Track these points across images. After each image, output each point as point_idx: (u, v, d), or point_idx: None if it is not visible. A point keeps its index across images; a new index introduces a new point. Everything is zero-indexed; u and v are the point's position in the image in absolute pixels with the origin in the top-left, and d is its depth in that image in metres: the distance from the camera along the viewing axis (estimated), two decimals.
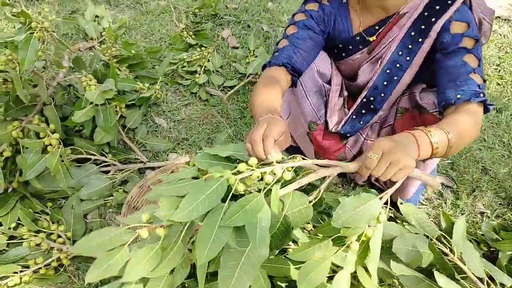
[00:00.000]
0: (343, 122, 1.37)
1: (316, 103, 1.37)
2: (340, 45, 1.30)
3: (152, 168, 1.60)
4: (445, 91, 1.05)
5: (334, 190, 1.63)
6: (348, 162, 0.90)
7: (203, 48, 2.13)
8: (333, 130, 1.38)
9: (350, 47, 1.28)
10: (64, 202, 1.47)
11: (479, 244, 1.48)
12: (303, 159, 0.85)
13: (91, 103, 1.47)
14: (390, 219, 1.26)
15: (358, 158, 0.96)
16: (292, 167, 0.82)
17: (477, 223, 1.59)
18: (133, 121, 1.73)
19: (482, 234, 1.51)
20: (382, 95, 1.27)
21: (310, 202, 0.87)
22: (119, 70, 1.94)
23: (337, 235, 0.83)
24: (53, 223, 1.38)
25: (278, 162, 0.81)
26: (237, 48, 2.25)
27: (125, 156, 1.61)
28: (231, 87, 2.00)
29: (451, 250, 1.06)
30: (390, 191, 0.91)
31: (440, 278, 0.92)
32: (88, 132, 1.52)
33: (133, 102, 1.77)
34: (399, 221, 1.26)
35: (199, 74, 2.00)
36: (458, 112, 0.99)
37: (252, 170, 0.78)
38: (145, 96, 1.76)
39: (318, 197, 0.89)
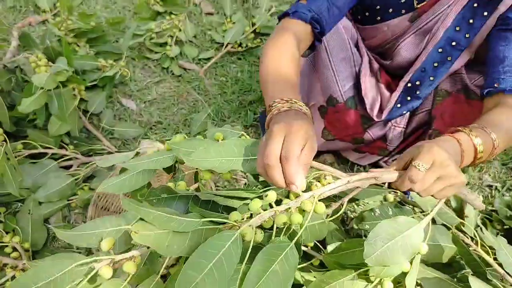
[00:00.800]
0: (386, 112, 1.13)
1: (342, 74, 1.13)
2: (378, 6, 1.05)
3: None
4: (486, 76, 0.86)
5: None
6: (384, 171, 0.71)
7: (173, 16, 1.88)
8: (376, 119, 1.16)
9: (390, 10, 1.04)
10: (21, 206, 1.26)
11: (492, 222, 1.35)
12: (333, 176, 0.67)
13: (42, 88, 1.23)
14: (398, 203, 1.09)
15: (394, 163, 0.75)
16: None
17: (486, 198, 1.45)
18: (96, 105, 1.50)
19: (493, 211, 1.38)
20: (431, 78, 1.04)
21: (327, 216, 0.70)
22: (77, 46, 1.68)
23: (364, 268, 0.67)
24: (7, 233, 1.17)
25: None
26: (211, 14, 2.00)
27: (89, 147, 1.39)
28: (208, 59, 1.77)
29: (472, 239, 0.91)
30: (433, 211, 0.73)
31: (475, 282, 0.77)
32: (41, 123, 1.29)
33: (95, 83, 1.54)
34: (408, 206, 1.09)
35: (170, 45, 1.76)
36: (502, 106, 0.81)
37: (272, 209, 0.60)
38: (108, 75, 1.53)
39: (340, 213, 0.72)
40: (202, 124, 1.53)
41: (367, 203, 1.45)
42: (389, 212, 0.88)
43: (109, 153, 1.40)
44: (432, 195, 0.67)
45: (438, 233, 0.88)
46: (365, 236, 0.87)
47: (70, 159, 1.34)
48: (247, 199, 0.69)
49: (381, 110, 1.17)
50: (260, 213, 0.59)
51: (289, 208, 0.61)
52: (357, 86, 1.16)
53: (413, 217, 0.69)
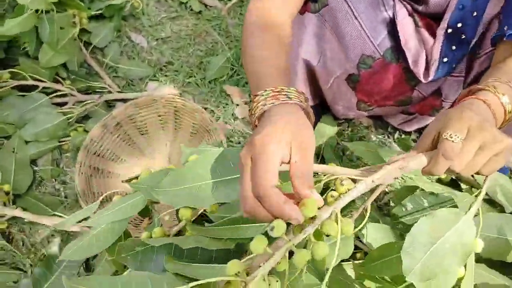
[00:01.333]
0: (432, 73, 0.90)
1: (371, 23, 0.88)
2: None
3: (124, 101, 1.21)
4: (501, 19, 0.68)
5: (364, 137, 1.24)
6: (409, 157, 0.55)
7: None
8: (423, 80, 0.93)
9: None
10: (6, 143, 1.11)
11: None
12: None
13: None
14: (452, 182, 0.87)
15: (416, 145, 0.59)
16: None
17: None
18: (101, 38, 1.31)
19: None
20: (474, 14, 0.81)
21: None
22: None
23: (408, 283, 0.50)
24: None
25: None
26: None
27: (88, 84, 1.22)
28: None
29: None
30: (481, 194, 0.57)
31: None
32: (31, 51, 1.11)
33: (101, 12, 1.34)
34: (463, 186, 0.87)
35: None
36: None
37: (283, 244, 0.45)
38: (116, 4, 1.32)
39: (364, 223, 0.55)
40: (220, 69, 1.33)
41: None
42: (424, 204, 0.70)
43: (110, 92, 1.22)
44: (477, 173, 0.53)
45: (506, 223, 0.66)
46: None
47: (64, 95, 1.17)
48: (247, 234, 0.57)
49: (427, 65, 0.92)
50: (268, 255, 0.43)
51: (306, 237, 0.45)
52: (393, 34, 0.91)
53: (456, 207, 0.54)
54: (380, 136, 1.25)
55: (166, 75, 1.33)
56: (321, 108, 1.19)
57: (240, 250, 0.62)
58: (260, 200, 0.45)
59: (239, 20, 1.49)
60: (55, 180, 1.11)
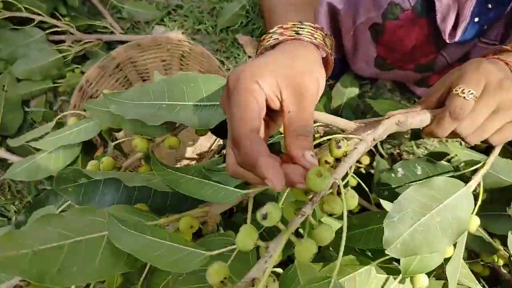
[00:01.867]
0: (460, 31, 0.78)
1: None
2: None
3: (126, 43, 1.11)
4: None
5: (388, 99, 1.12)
6: (409, 112, 0.48)
7: None
8: (447, 39, 0.80)
9: None
10: None
11: None
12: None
13: None
14: (486, 150, 0.76)
15: (422, 99, 0.52)
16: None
17: None
18: None
19: None
20: None
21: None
22: None
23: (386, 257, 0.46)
24: None
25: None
26: None
27: (89, 22, 1.11)
28: None
29: None
30: (486, 165, 0.51)
31: None
32: None
33: None
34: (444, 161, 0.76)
35: None
36: None
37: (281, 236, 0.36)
38: None
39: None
40: (233, 17, 1.20)
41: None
42: (417, 171, 0.61)
43: (112, 33, 1.12)
44: (484, 142, 0.46)
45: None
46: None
47: (62, 32, 1.07)
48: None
49: (456, 23, 0.79)
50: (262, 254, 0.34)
51: (306, 219, 0.36)
52: None
53: (453, 177, 0.46)
54: (404, 102, 1.13)
55: (174, 20, 1.22)
56: (342, 65, 1.07)
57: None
58: (236, 153, 0.36)
59: None
60: (47, 123, 1.03)
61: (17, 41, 1.01)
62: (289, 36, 0.47)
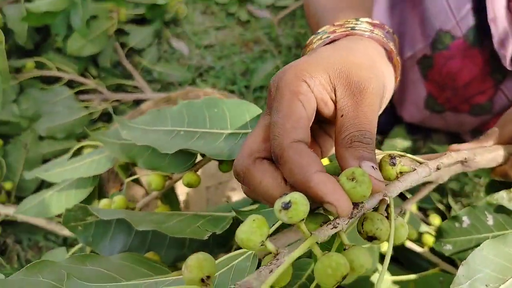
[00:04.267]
0: None
1: None
2: None
3: None
4: None
5: None
6: (477, 147, 0.42)
7: None
8: (508, 66, 0.71)
9: None
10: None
11: None
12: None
13: None
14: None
15: (492, 132, 0.44)
16: None
17: None
18: (139, 40, 1.20)
19: None
20: None
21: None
22: None
23: None
24: None
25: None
26: None
27: (119, 82, 1.08)
28: (284, 8, 1.41)
29: None
30: None
31: None
32: (60, 38, 1.00)
33: (142, 16, 1.24)
34: None
35: None
36: None
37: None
38: (159, 5, 1.22)
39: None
40: (268, 76, 1.16)
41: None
42: (488, 221, 0.50)
43: (141, 92, 1.07)
44: None
45: None
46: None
47: (91, 91, 1.03)
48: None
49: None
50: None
51: (337, 235, 0.28)
52: (478, 10, 0.70)
53: None
54: None
55: (205, 80, 1.18)
56: (389, 116, 0.97)
57: (223, 242, 0.48)
58: (279, 165, 0.29)
59: (290, 30, 1.34)
60: None
61: (45, 100, 0.97)
62: (343, 32, 0.39)
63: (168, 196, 0.57)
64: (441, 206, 0.76)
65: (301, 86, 0.30)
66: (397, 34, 0.77)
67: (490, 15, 0.68)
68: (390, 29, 0.43)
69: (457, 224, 0.52)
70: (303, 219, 0.24)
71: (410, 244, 0.60)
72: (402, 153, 0.34)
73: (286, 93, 0.30)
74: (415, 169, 0.33)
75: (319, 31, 0.43)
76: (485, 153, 0.41)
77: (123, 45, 1.17)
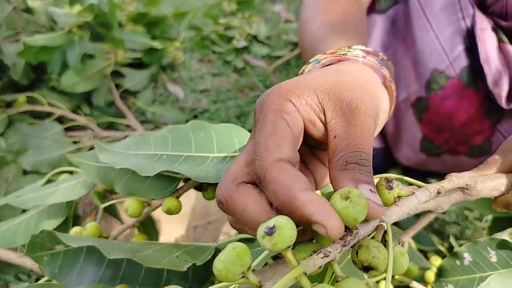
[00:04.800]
0: None
1: (445, 31, 0.70)
2: None
3: None
4: None
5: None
6: (478, 174, 0.39)
7: (246, 14, 1.62)
8: (504, 106, 0.71)
9: None
10: None
11: None
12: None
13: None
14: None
15: (494, 159, 0.42)
16: None
17: None
18: (135, 82, 1.20)
19: None
20: None
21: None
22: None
23: None
24: None
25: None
26: (290, 21, 1.72)
27: (111, 120, 1.06)
28: (279, 58, 1.44)
29: None
30: None
31: None
32: (55, 73, 1.00)
33: (140, 61, 1.26)
34: None
35: (238, 40, 1.47)
36: None
37: None
38: (157, 50, 1.24)
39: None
40: None
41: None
42: (492, 258, 0.47)
43: (132, 130, 1.06)
44: None
45: None
46: None
47: (81, 127, 1.02)
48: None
49: (511, 90, 0.69)
50: None
51: (329, 266, 0.25)
52: (471, 51, 0.71)
53: None
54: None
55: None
56: (383, 158, 0.95)
57: (205, 275, 0.44)
58: (262, 188, 0.26)
59: (285, 78, 1.36)
60: None
61: (34, 134, 0.95)
62: (334, 58, 0.38)
63: (146, 226, 0.54)
64: (442, 248, 0.72)
65: (285, 105, 0.28)
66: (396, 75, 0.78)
67: (482, 55, 0.68)
68: (385, 56, 0.42)
69: (458, 262, 0.48)
70: (289, 246, 0.22)
71: (414, 285, 0.55)
72: (400, 176, 0.32)
73: (269, 112, 0.28)
74: (414, 193, 0.31)
75: (311, 60, 0.42)
76: (486, 181, 0.39)
77: (118, 87, 1.18)
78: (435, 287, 0.50)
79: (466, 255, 0.47)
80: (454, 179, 0.36)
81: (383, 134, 0.89)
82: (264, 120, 0.28)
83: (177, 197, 0.45)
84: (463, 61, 0.70)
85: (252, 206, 0.26)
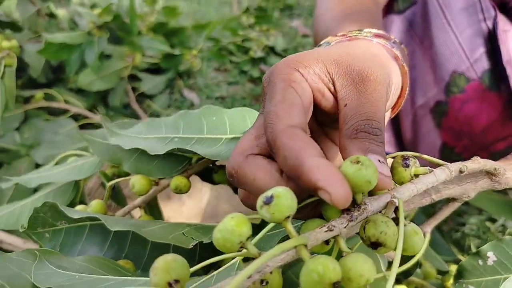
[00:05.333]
0: None
1: (465, 32, 0.68)
2: None
3: None
4: None
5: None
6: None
7: (264, 26, 1.64)
8: None
9: None
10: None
11: None
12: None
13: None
14: None
15: None
16: None
17: None
18: (151, 86, 1.21)
19: None
20: None
21: None
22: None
23: None
24: None
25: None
26: (307, 36, 1.73)
27: (125, 120, 1.06)
28: None
29: None
30: None
31: None
32: (70, 71, 1.01)
33: (158, 66, 1.27)
34: None
35: (255, 51, 1.48)
36: None
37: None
38: (174, 56, 1.26)
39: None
40: None
41: None
42: None
43: None
44: None
45: None
46: None
47: (95, 125, 1.02)
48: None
49: None
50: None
51: (334, 241, 0.24)
52: (493, 53, 0.69)
53: None
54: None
55: None
56: None
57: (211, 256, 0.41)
58: (273, 155, 0.26)
59: None
60: None
61: (48, 130, 0.96)
62: (345, 38, 0.38)
63: (152, 209, 0.52)
64: (462, 258, 0.68)
65: (293, 74, 0.28)
66: (409, 80, 0.76)
67: (505, 57, 0.66)
68: (397, 40, 0.41)
69: (480, 261, 0.44)
70: (289, 217, 0.21)
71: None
72: (418, 154, 0.30)
73: (277, 82, 0.28)
74: (432, 171, 0.29)
75: (321, 43, 0.41)
76: None
77: (135, 90, 1.19)
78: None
79: (490, 254, 0.44)
80: (480, 160, 0.34)
81: (400, 141, 0.86)
82: (272, 91, 0.28)
83: (187, 177, 0.44)
84: (484, 64, 0.68)
85: (261, 175, 0.26)
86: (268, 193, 0.21)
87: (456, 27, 0.69)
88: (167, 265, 0.20)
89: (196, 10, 1.98)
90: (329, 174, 0.22)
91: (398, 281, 0.53)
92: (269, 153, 0.27)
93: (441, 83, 0.71)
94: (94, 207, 0.45)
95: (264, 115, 0.27)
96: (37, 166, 0.90)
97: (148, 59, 1.23)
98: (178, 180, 0.42)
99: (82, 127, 1.00)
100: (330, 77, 0.29)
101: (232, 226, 0.21)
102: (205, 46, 1.51)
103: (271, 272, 0.22)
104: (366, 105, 0.27)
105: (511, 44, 0.66)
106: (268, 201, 0.21)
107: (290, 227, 0.22)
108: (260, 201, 0.21)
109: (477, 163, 0.33)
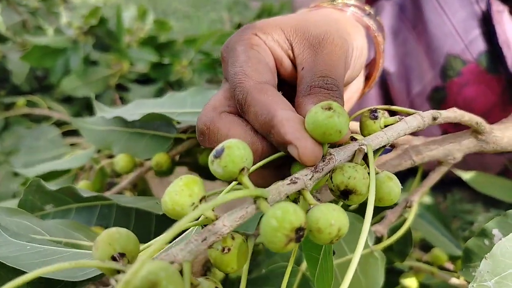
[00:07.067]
0: None
1: (459, 13, 0.67)
2: None
3: None
4: None
5: (470, 211, 0.87)
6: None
7: None
8: None
9: None
10: None
11: None
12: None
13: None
14: None
15: None
16: None
17: None
18: (140, 96, 1.18)
19: None
20: None
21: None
22: None
23: None
24: None
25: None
26: None
27: None
28: None
29: None
30: None
31: None
32: (55, 78, 0.97)
33: (147, 77, 1.25)
34: None
35: None
36: None
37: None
38: (164, 65, 1.23)
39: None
40: None
41: None
42: None
43: None
44: None
45: None
46: None
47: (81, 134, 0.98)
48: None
49: None
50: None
51: (299, 195, 0.22)
52: (488, 35, 0.67)
53: None
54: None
55: None
56: None
57: None
58: (244, 114, 0.25)
59: None
60: None
61: (29, 137, 0.91)
62: (312, 7, 0.38)
63: (141, 190, 0.51)
64: None
65: (253, 38, 0.28)
66: (403, 67, 0.73)
67: (501, 37, 0.64)
68: (372, 11, 0.39)
69: (486, 241, 0.39)
70: (243, 169, 0.19)
71: (442, 274, 0.46)
72: (387, 107, 0.28)
73: (238, 46, 0.28)
74: (403, 118, 0.27)
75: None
76: (507, 130, 0.33)
77: (123, 100, 1.15)
78: (462, 274, 0.42)
79: (495, 231, 0.39)
80: (457, 110, 0.30)
81: None
82: (234, 55, 0.27)
83: (171, 156, 0.44)
84: (480, 46, 0.65)
85: (236, 131, 0.25)
86: (219, 146, 0.20)
87: (449, 9, 0.67)
88: (109, 237, 0.18)
89: (187, 28, 1.98)
90: (298, 127, 0.21)
91: (400, 272, 0.48)
92: (240, 114, 0.26)
93: (437, 67, 0.69)
94: (81, 186, 0.47)
95: (230, 78, 0.26)
96: (15, 174, 0.85)
97: (137, 68, 1.21)
98: (158, 157, 0.43)
99: (66, 134, 0.95)
100: (289, 43, 0.28)
101: (181, 186, 0.19)
102: (197, 59, 1.49)
103: (233, 238, 0.20)
104: (320, 64, 0.26)
105: (506, 25, 0.64)
106: (219, 154, 0.19)
107: (246, 180, 0.20)
108: (210, 156, 0.20)
109: (452, 112, 0.30)
